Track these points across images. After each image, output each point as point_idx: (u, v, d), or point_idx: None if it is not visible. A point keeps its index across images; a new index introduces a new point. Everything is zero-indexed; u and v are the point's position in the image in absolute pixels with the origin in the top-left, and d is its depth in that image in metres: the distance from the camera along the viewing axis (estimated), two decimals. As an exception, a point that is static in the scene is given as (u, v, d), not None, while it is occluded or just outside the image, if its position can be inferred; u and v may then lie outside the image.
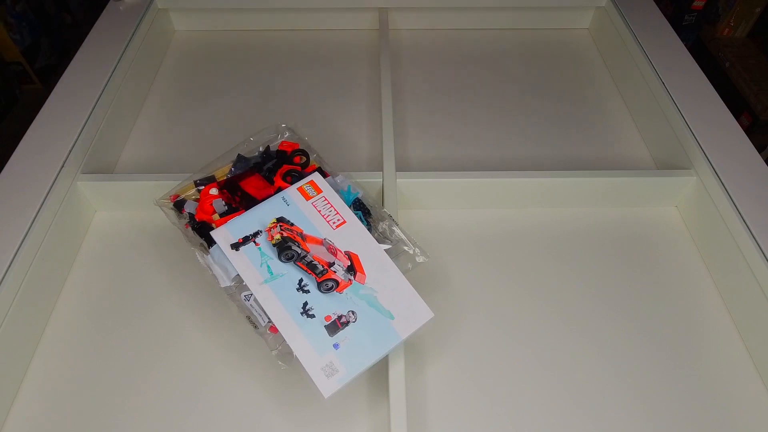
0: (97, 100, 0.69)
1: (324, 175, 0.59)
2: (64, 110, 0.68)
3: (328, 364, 0.44)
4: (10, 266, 0.52)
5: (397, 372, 0.48)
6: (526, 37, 0.93)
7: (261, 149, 0.62)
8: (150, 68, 0.85)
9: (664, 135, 0.72)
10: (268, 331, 0.49)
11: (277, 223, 0.50)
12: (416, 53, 0.91)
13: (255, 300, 0.49)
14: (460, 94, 0.83)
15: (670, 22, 0.85)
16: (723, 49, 1.66)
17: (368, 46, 0.91)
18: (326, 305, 0.46)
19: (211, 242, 0.53)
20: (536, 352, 0.55)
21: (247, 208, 0.55)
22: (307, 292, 0.46)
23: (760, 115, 1.51)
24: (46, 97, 0.69)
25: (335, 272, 0.46)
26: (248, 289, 0.49)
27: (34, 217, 0.56)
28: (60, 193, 0.60)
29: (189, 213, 0.56)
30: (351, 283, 0.47)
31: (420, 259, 0.56)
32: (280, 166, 0.59)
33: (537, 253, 0.63)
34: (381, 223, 0.57)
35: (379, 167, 0.64)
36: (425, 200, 0.66)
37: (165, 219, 0.57)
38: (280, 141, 0.63)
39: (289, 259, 0.47)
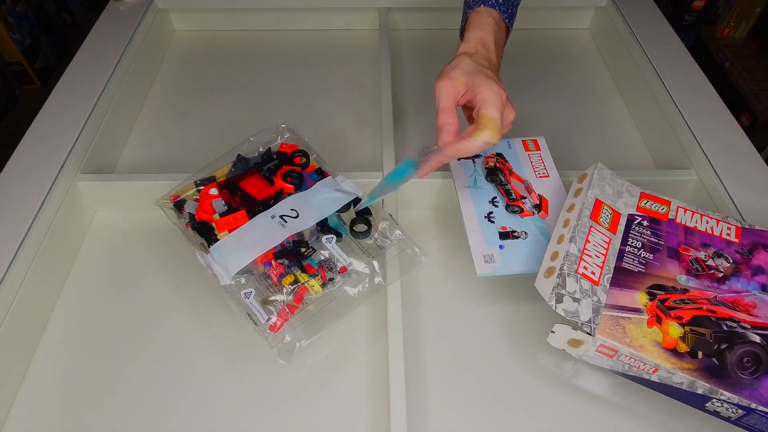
0: (97, 100, 0.69)
1: (324, 175, 0.59)
2: (64, 110, 0.68)
3: (490, 254, 0.54)
4: (10, 266, 0.52)
5: (397, 373, 0.48)
6: (526, 37, 0.93)
7: (261, 150, 0.62)
8: (150, 68, 0.85)
9: (664, 135, 0.72)
10: (268, 330, 0.49)
11: (495, 155, 0.63)
12: (416, 53, 0.91)
13: (254, 298, 0.50)
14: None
15: (670, 22, 0.85)
16: (723, 49, 1.66)
17: (368, 46, 0.91)
18: (508, 221, 0.57)
19: (211, 241, 0.53)
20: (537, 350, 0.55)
21: (247, 208, 0.55)
22: (496, 206, 0.58)
23: (760, 115, 1.51)
24: (46, 97, 0.69)
25: (524, 203, 0.58)
26: (248, 288, 0.51)
27: (34, 217, 0.56)
28: (60, 193, 0.60)
29: (189, 213, 0.56)
30: (533, 215, 0.58)
31: (420, 259, 0.56)
32: (280, 167, 0.59)
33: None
34: (381, 223, 0.57)
35: (379, 167, 0.64)
36: (425, 200, 0.66)
37: (165, 219, 0.57)
38: (280, 142, 0.63)
39: (492, 182, 0.61)
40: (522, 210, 0.58)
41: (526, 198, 0.59)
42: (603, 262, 0.50)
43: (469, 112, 0.52)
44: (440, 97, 0.50)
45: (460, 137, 0.49)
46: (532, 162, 0.63)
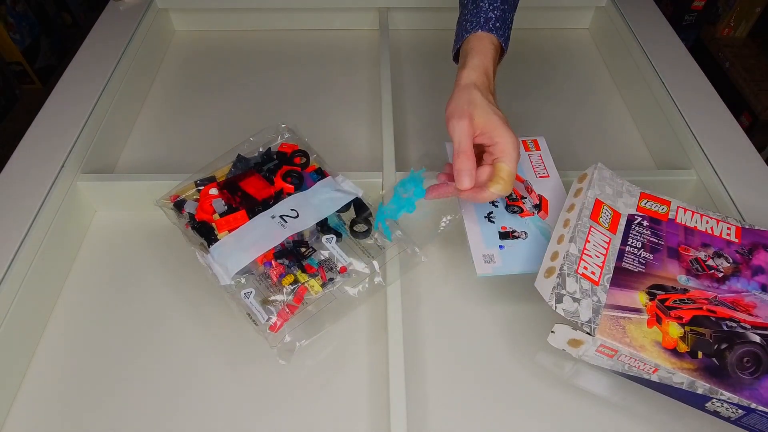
0: (97, 100, 0.69)
1: (324, 175, 0.59)
2: (64, 110, 0.68)
3: (490, 254, 0.54)
4: (10, 266, 0.52)
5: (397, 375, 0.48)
6: (526, 37, 0.93)
7: (261, 150, 0.62)
8: (150, 68, 0.85)
9: (664, 135, 0.72)
10: (268, 330, 0.49)
11: None
12: (416, 53, 0.91)
13: (254, 298, 0.50)
14: (460, 94, 0.83)
15: (670, 22, 0.85)
16: (723, 49, 1.66)
17: (368, 46, 0.91)
18: (508, 221, 0.57)
19: (211, 241, 0.53)
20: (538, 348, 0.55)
21: (247, 208, 0.55)
22: (496, 206, 0.58)
23: (760, 115, 1.51)
24: (46, 97, 0.69)
25: (524, 203, 0.58)
26: (248, 288, 0.51)
27: (34, 217, 0.56)
28: (60, 193, 0.60)
29: (189, 213, 0.56)
30: (533, 215, 0.58)
31: (420, 259, 0.56)
32: (280, 167, 0.59)
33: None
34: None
35: (379, 167, 0.64)
36: (425, 200, 0.66)
37: (165, 219, 0.57)
38: (280, 142, 0.63)
39: None
40: (522, 210, 0.58)
41: (526, 198, 0.59)
42: (603, 262, 0.50)
43: (479, 150, 0.52)
44: (460, 139, 0.49)
45: (476, 186, 0.50)
46: (532, 162, 0.63)
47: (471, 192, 0.50)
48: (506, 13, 0.57)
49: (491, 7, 0.56)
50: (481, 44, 0.55)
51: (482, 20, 0.55)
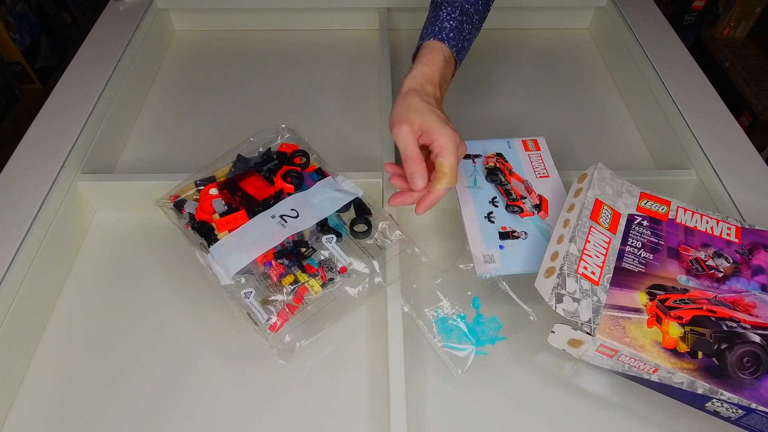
0: (97, 100, 0.69)
1: (324, 175, 0.59)
2: (64, 110, 0.68)
3: (490, 255, 0.55)
4: (10, 266, 0.52)
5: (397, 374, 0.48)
6: (526, 37, 0.93)
7: (261, 150, 0.62)
8: (150, 68, 0.85)
9: (664, 135, 0.72)
10: (268, 330, 0.49)
11: (495, 155, 0.63)
12: (416, 53, 0.91)
13: (254, 298, 0.50)
14: (460, 94, 0.83)
15: (670, 22, 0.85)
16: (723, 49, 1.66)
17: (368, 46, 0.91)
18: (508, 221, 0.58)
19: (211, 241, 0.53)
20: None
21: (247, 208, 0.55)
22: (496, 206, 0.59)
23: (760, 115, 1.51)
24: (46, 97, 0.69)
25: (524, 203, 0.58)
26: (248, 288, 0.51)
27: (34, 217, 0.56)
28: (60, 193, 0.60)
29: (189, 213, 0.56)
30: (533, 215, 0.58)
31: (420, 259, 0.56)
32: (280, 167, 0.59)
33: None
34: (381, 223, 0.57)
35: (379, 167, 0.64)
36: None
37: (165, 219, 0.57)
38: (280, 142, 0.63)
39: (491, 181, 0.61)
40: (522, 210, 0.58)
41: (526, 198, 0.59)
42: (603, 262, 0.50)
43: (426, 152, 0.52)
44: (405, 145, 0.50)
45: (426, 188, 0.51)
46: (532, 162, 0.63)
47: (425, 204, 0.51)
48: (463, 24, 0.57)
49: (448, 17, 0.57)
50: (431, 54, 0.55)
51: (437, 29, 0.56)
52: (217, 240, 0.53)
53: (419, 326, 0.54)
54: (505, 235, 0.56)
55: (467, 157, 0.63)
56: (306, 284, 0.51)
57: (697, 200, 0.65)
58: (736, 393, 0.43)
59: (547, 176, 0.61)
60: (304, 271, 0.52)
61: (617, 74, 0.86)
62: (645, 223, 0.54)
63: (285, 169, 0.59)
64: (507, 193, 0.59)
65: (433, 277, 0.57)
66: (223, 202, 0.56)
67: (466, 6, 0.58)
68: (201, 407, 0.51)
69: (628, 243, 0.52)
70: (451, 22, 0.56)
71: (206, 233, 0.54)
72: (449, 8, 0.57)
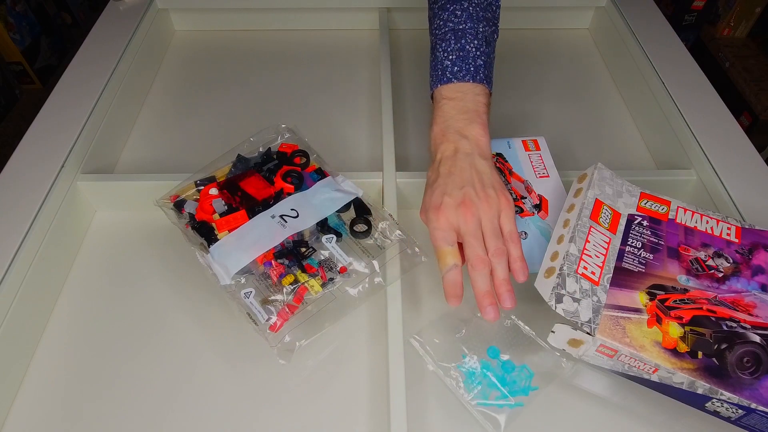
0: (97, 100, 0.69)
1: (324, 175, 0.59)
2: (64, 110, 0.68)
3: None
4: (10, 266, 0.52)
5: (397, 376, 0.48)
6: (526, 37, 0.93)
7: (261, 150, 0.62)
8: (150, 68, 0.85)
9: (664, 135, 0.72)
10: (268, 330, 0.49)
11: (495, 155, 0.62)
12: (416, 53, 0.91)
13: (254, 298, 0.50)
14: (460, 94, 0.83)
15: (670, 22, 0.85)
16: (723, 49, 1.66)
17: (368, 46, 0.92)
18: None
19: (211, 241, 0.53)
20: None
21: (247, 208, 0.55)
22: None
23: (760, 115, 1.51)
24: (46, 97, 0.69)
25: (524, 203, 0.58)
26: (248, 288, 0.51)
27: (34, 217, 0.56)
28: (60, 193, 0.60)
29: (189, 213, 0.56)
30: (533, 215, 0.58)
31: (420, 259, 0.56)
32: (280, 167, 0.59)
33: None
34: (381, 223, 0.57)
35: (379, 167, 0.64)
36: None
37: (165, 219, 0.57)
38: (280, 142, 0.63)
39: None
40: (522, 210, 0.58)
41: (526, 198, 0.59)
42: (603, 262, 0.50)
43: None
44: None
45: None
46: (532, 162, 0.63)
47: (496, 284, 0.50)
48: (490, 56, 0.53)
49: (478, 53, 0.50)
50: (475, 101, 0.50)
51: (471, 67, 0.49)
52: (217, 240, 0.53)
53: (447, 385, 0.51)
54: None
55: None
56: (306, 284, 0.51)
57: (697, 200, 0.65)
58: (736, 393, 0.43)
59: (547, 176, 0.61)
60: (304, 271, 0.52)
61: (617, 74, 0.86)
62: (645, 223, 0.54)
63: (285, 169, 0.59)
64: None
65: (455, 329, 0.55)
66: (223, 202, 0.56)
67: (482, 30, 0.52)
68: (201, 407, 0.51)
69: (628, 243, 0.52)
70: (482, 58, 0.51)
71: (206, 233, 0.54)
72: (475, 41, 0.50)
